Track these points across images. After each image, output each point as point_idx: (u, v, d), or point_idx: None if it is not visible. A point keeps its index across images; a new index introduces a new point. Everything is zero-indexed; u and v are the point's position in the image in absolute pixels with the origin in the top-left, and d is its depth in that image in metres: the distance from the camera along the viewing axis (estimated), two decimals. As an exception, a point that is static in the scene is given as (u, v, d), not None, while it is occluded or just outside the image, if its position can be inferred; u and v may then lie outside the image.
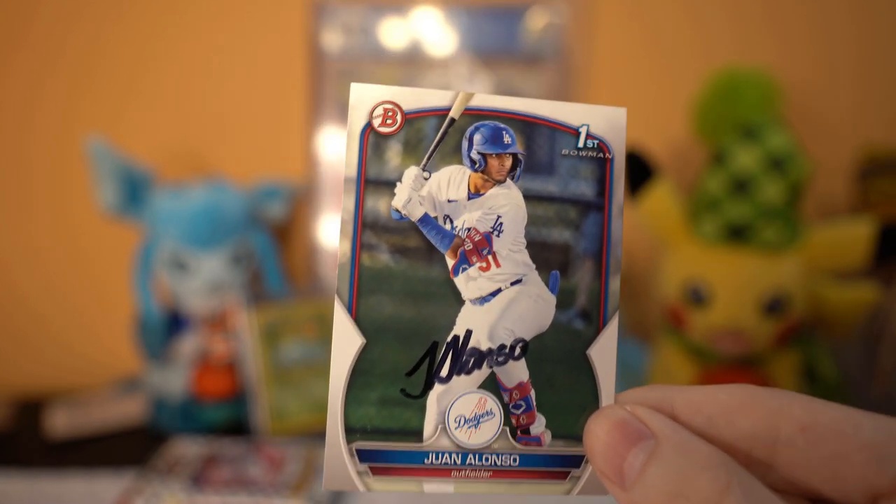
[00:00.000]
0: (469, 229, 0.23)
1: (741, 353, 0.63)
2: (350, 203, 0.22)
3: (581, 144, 0.23)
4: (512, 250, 0.23)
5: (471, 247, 0.23)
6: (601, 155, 0.23)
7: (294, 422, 0.71)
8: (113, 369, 0.85)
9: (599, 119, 0.23)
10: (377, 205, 0.22)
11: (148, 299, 0.74)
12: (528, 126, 0.23)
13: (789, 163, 0.61)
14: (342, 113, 0.83)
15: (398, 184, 0.22)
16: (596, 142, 0.23)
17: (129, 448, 0.68)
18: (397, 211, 0.22)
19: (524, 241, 0.23)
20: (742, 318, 0.61)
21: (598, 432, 0.19)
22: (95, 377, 0.86)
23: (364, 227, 0.22)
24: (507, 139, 0.23)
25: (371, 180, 0.22)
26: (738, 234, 0.61)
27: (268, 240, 0.79)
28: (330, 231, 0.84)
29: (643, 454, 0.18)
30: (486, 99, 0.23)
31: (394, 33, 0.82)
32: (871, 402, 0.71)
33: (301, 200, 0.85)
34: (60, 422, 0.72)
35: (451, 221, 0.23)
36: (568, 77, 0.81)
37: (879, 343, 0.71)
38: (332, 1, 0.82)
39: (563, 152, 0.23)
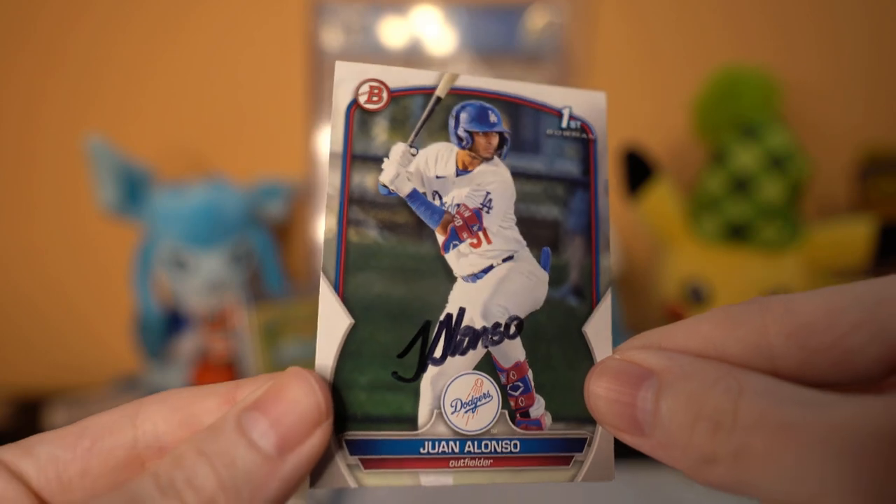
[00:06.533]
0: (458, 205, 0.22)
1: (741, 352, 0.62)
2: (336, 178, 0.21)
3: (564, 125, 0.23)
4: (502, 227, 0.22)
5: (461, 222, 0.22)
6: (584, 136, 0.23)
7: (293, 421, 0.71)
8: (112, 368, 0.85)
9: (581, 102, 0.23)
10: (364, 180, 0.21)
11: (147, 298, 0.74)
12: (512, 106, 0.23)
13: (789, 162, 0.61)
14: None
15: (385, 159, 0.22)
16: (579, 123, 0.23)
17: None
18: (385, 186, 0.21)
19: (514, 217, 0.22)
20: (742, 317, 0.61)
21: (599, 390, 0.18)
22: (95, 376, 0.86)
23: (351, 203, 0.21)
24: (493, 118, 0.22)
25: (357, 156, 0.21)
26: (737, 234, 0.61)
27: (267, 239, 0.79)
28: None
29: (650, 393, 0.17)
30: (470, 80, 0.22)
31: (394, 32, 0.82)
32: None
33: (301, 199, 0.85)
34: (60, 420, 0.72)
35: (440, 197, 0.22)
36: (568, 76, 0.81)
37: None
38: (331, 0, 0.82)
39: (547, 132, 0.23)
